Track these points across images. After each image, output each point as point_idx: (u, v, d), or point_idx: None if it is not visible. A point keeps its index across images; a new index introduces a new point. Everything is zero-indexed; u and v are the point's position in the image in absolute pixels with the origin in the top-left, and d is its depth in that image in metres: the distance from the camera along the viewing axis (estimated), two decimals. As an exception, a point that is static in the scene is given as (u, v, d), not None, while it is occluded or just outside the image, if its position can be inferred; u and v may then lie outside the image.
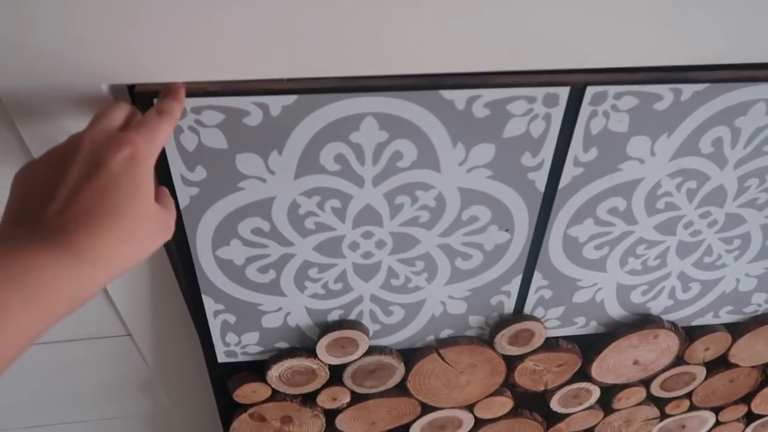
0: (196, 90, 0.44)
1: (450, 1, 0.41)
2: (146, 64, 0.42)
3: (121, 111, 0.41)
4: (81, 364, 0.72)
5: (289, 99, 0.45)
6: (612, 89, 0.48)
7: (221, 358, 0.66)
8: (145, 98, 0.44)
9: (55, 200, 0.35)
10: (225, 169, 0.49)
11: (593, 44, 0.46)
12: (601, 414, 0.85)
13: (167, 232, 0.40)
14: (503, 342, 0.68)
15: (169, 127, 0.41)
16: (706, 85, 0.50)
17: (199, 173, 0.49)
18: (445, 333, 0.68)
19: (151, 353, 0.70)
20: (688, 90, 0.50)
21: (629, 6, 0.44)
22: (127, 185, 0.36)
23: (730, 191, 0.59)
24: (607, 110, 0.50)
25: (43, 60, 0.40)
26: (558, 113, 0.49)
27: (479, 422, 0.81)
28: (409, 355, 0.69)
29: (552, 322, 0.69)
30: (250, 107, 0.45)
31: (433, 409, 0.77)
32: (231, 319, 0.61)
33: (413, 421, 0.78)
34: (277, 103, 0.45)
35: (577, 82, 0.48)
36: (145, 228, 0.37)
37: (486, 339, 0.69)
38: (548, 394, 0.79)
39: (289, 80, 0.45)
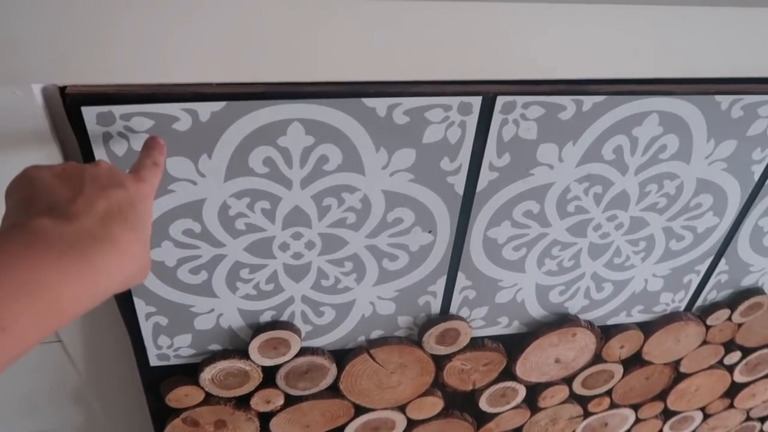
0: (127, 93, 0.46)
1: (369, 15, 0.45)
2: (78, 65, 0.44)
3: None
4: (6, 374, 0.70)
5: (218, 105, 0.47)
6: (520, 99, 0.53)
7: (153, 361, 0.66)
8: (76, 99, 0.45)
9: (82, 196, 0.36)
10: (155, 170, 0.50)
11: (501, 58, 0.51)
12: (528, 413, 0.89)
13: (146, 274, 0.41)
14: (431, 341, 0.71)
15: (161, 176, 0.44)
16: (605, 97, 0.55)
17: (130, 175, 0.50)
18: (375, 333, 0.71)
19: (82, 359, 0.70)
20: (588, 101, 0.55)
21: (533, 24, 0.49)
22: (142, 211, 0.39)
23: (633, 196, 0.64)
24: (517, 119, 0.54)
25: (-28, 60, 0.42)
26: (472, 121, 0.53)
27: (412, 423, 0.84)
28: (341, 357, 0.72)
29: (477, 322, 0.73)
30: (179, 113, 0.47)
31: (366, 410, 0.79)
32: (163, 321, 0.62)
33: (347, 423, 0.80)
34: (205, 109, 0.47)
35: (488, 91, 0.52)
36: (147, 255, 0.38)
37: (415, 339, 0.72)
38: (477, 393, 0.83)
39: (218, 85, 0.47)
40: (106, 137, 0.47)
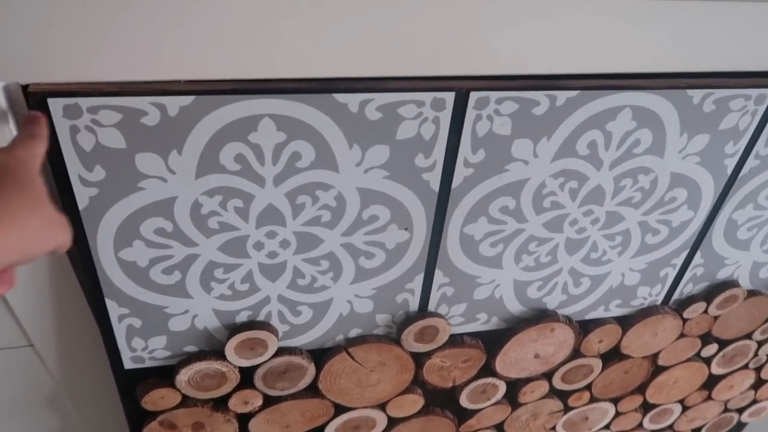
0: (92, 90, 0.45)
1: (336, 10, 0.44)
2: (41, 63, 0.43)
3: None
4: (-21, 379, 0.69)
5: (186, 99, 0.47)
6: (493, 95, 0.53)
7: (128, 364, 0.65)
8: (39, 98, 0.44)
9: None
10: (124, 168, 0.49)
11: (473, 54, 0.50)
12: (509, 409, 0.89)
13: (66, 232, 0.41)
14: (410, 339, 0.71)
15: (43, 147, 0.43)
16: (578, 92, 0.55)
17: (98, 173, 0.49)
18: (353, 332, 0.70)
19: (55, 363, 0.69)
20: (561, 96, 0.55)
21: (504, 18, 0.49)
22: (20, 173, 0.38)
23: (608, 190, 0.64)
24: (491, 114, 0.54)
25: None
26: (446, 117, 0.53)
27: (393, 421, 0.83)
28: (320, 356, 0.71)
29: (456, 319, 0.73)
30: (147, 107, 0.46)
31: (346, 409, 0.79)
32: (136, 323, 0.61)
33: (327, 423, 0.80)
34: (174, 104, 0.47)
35: (461, 87, 0.52)
36: (47, 212, 0.38)
37: (393, 337, 0.72)
38: (457, 390, 0.83)
39: (186, 82, 0.46)
40: (73, 131, 0.46)
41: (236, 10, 0.43)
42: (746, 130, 0.64)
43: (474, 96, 0.52)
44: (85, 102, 0.45)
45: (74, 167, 0.49)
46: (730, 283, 0.83)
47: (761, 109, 0.62)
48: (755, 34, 0.57)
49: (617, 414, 1.00)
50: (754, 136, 0.65)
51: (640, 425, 1.06)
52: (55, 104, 0.45)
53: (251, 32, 0.44)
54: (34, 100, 0.44)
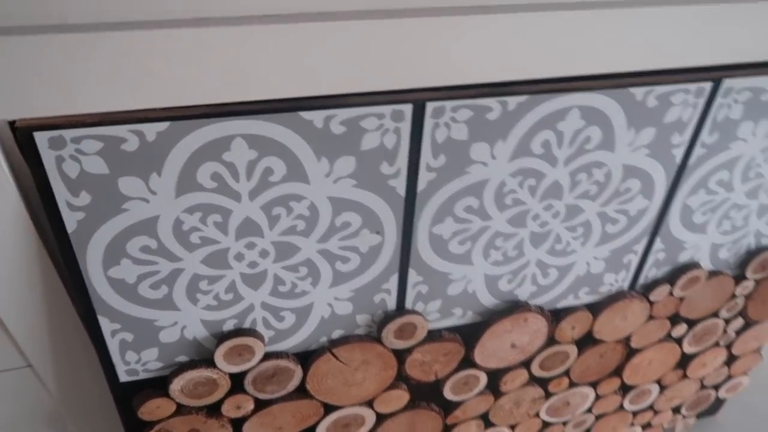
0: (75, 122, 0.49)
1: (297, 37, 0.49)
2: (27, 100, 0.46)
3: None
4: (-20, 401, 0.72)
5: (163, 125, 0.50)
6: (449, 104, 0.57)
7: (123, 377, 0.69)
8: (25, 132, 0.48)
9: None
10: (109, 192, 0.53)
11: (427, 68, 0.55)
12: (492, 398, 0.93)
13: None
14: (390, 336, 0.75)
15: None
16: (527, 96, 0.59)
17: (84, 198, 0.53)
18: (336, 333, 0.74)
19: (53, 381, 0.72)
20: (512, 101, 0.59)
21: (452, 33, 0.53)
22: None
23: (565, 185, 0.69)
24: (448, 122, 0.58)
25: None
26: (406, 126, 0.57)
27: (381, 417, 0.87)
28: (306, 358, 0.75)
29: (433, 315, 0.77)
30: (126, 134, 0.50)
31: (335, 408, 0.82)
32: (128, 337, 0.65)
33: (318, 422, 0.83)
34: (151, 130, 0.50)
35: (418, 99, 0.56)
36: None
37: (374, 335, 0.76)
38: (440, 383, 0.86)
39: (162, 109, 0.50)
40: (59, 161, 0.50)
41: (205, 41, 0.47)
42: (689, 121, 0.68)
43: (430, 106, 0.57)
44: (68, 133, 0.49)
45: (61, 194, 0.52)
46: (691, 266, 0.87)
47: (701, 102, 0.67)
48: (689, 33, 0.61)
49: (597, 397, 1.05)
50: (698, 126, 0.70)
51: (621, 407, 1.11)
52: (41, 137, 0.48)
53: (220, 60, 0.48)
54: (20, 134, 0.48)
